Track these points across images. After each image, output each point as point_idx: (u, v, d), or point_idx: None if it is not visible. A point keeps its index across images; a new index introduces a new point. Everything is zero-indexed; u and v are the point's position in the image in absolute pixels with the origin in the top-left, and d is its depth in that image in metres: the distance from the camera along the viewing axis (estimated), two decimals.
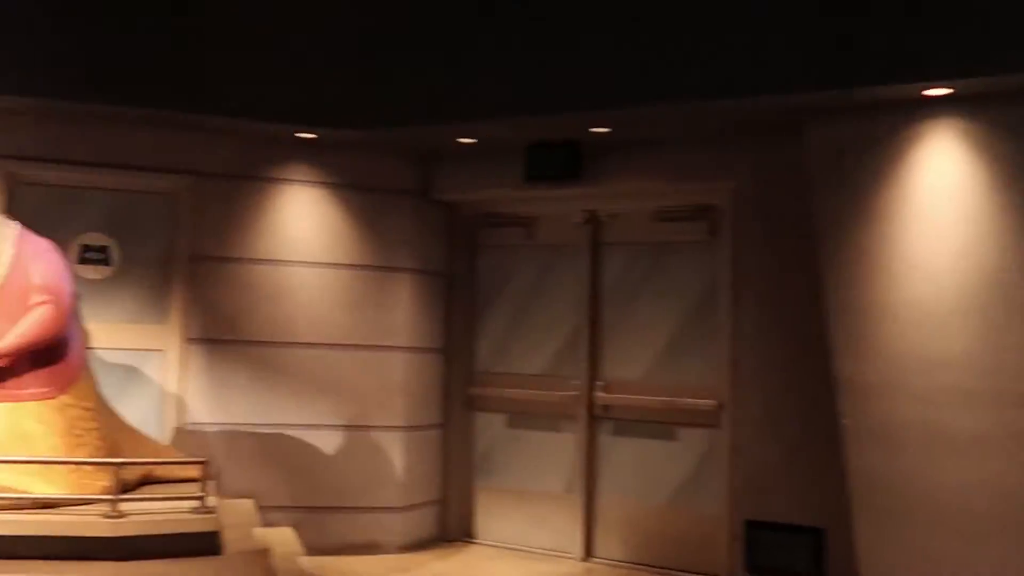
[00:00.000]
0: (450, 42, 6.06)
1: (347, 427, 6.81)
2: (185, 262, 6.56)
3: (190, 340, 6.55)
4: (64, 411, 4.98)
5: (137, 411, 6.08)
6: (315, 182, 6.82)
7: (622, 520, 6.68)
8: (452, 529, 7.24)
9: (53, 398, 4.94)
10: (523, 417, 7.12)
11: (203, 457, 5.06)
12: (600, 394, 6.77)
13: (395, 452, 6.90)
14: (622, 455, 6.71)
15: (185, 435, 6.46)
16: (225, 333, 6.61)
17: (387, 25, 6.17)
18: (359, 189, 6.89)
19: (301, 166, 6.78)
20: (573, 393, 6.84)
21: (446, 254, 7.31)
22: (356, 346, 6.85)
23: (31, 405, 4.86)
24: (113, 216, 6.46)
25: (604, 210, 6.83)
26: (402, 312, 6.98)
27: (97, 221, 6.44)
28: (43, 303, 4.90)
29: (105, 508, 4.65)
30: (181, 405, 6.53)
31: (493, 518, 7.19)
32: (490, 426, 7.28)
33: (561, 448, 6.93)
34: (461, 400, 7.33)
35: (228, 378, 6.61)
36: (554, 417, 6.98)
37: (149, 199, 6.55)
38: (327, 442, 6.77)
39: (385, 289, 6.93)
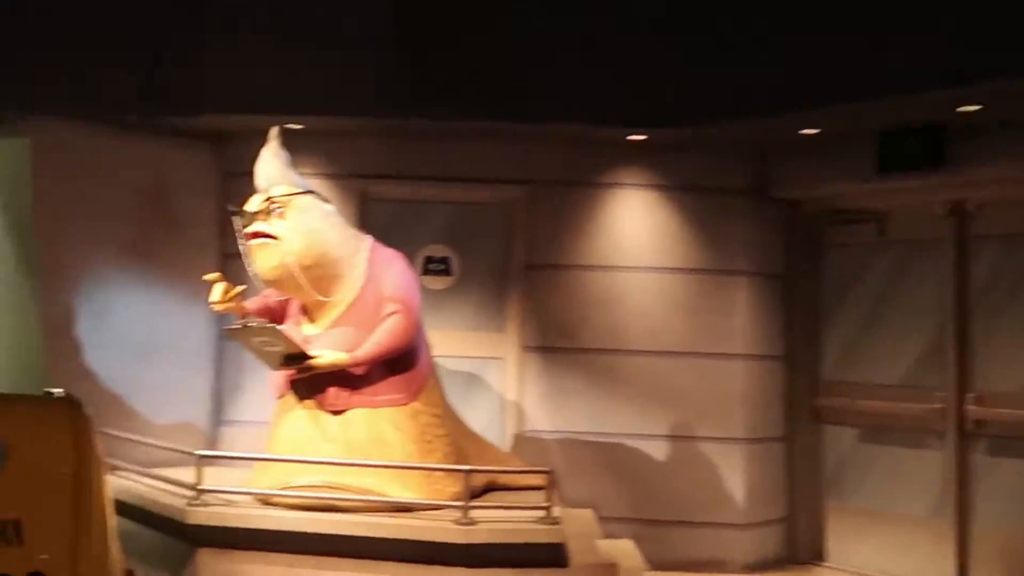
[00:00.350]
0: (780, 26, 5.60)
1: (685, 438, 6.54)
2: (521, 270, 6.61)
3: (527, 348, 6.59)
4: (416, 417, 5.13)
5: (478, 418, 6.19)
6: (647, 185, 6.63)
7: (1003, 550, 5.84)
8: (800, 550, 6.73)
9: (406, 404, 5.11)
10: (878, 431, 6.47)
11: (545, 466, 4.99)
12: (972, 407, 5.98)
13: (736, 466, 6.53)
14: (1001, 477, 5.87)
15: (524, 442, 6.50)
16: (561, 341, 6.58)
17: (712, 18, 5.84)
18: (692, 190, 6.62)
19: (632, 169, 6.62)
20: (938, 406, 6.10)
21: (786, 255, 6.83)
22: (692, 354, 6.56)
23: (387, 411, 5.05)
24: (453, 228, 6.65)
25: (973, 200, 6.04)
26: (740, 317, 6.61)
27: (438, 233, 6.65)
28: (395, 313, 5.07)
29: (456, 515, 4.70)
30: (520, 412, 6.57)
31: (846, 540, 6.59)
32: (839, 440, 6.69)
33: (925, 467, 6.20)
34: (806, 411, 6.80)
35: (565, 386, 6.56)
36: (915, 432, 6.26)
37: (486, 210, 6.68)
38: (665, 453, 6.53)
39: (721, 294, 6.60)
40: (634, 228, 6.63)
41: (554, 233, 6.61)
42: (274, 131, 5.10)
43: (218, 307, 4.91)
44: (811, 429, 6.78)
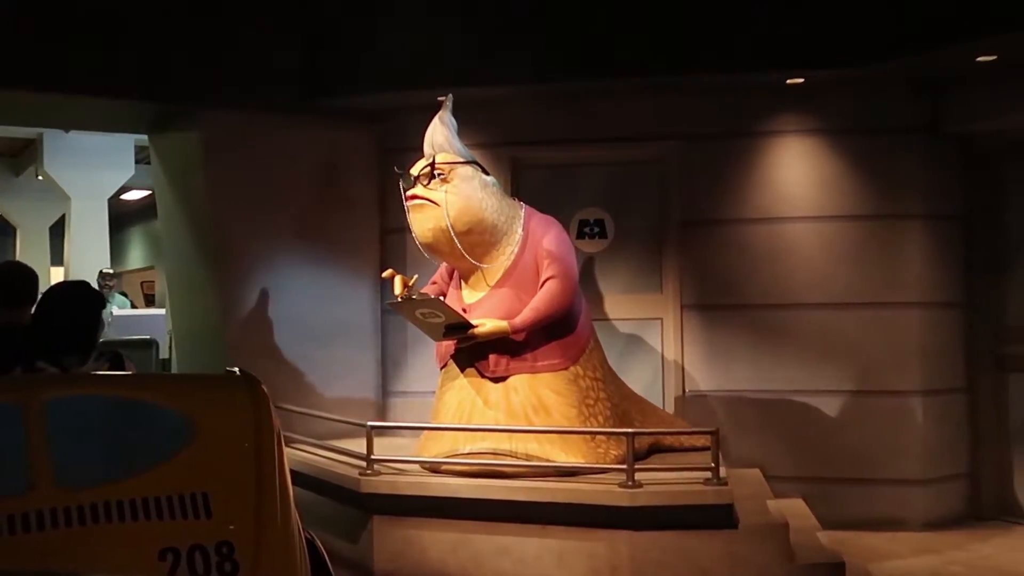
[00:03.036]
0: None
1: (856, 392, 6.26)
2: (677, 228, 6.47)
3: (687, 307, 6.46)
4: (577, 381, 5.13)
5: (639, 380, 6.15)
6: (807, 130, 6.33)
7: None
8: (986, 507, 6.38)
9: (566, 369, 5.12)
10: None
11: (711, 427, 4.91)
12: None
13: (912, 419, 6.22)
14: None
15: (687, 403, 6.40)
16: (722, 298, 6.42)
17: None
18: (856, 132, 6.28)
19: (791, 115, 6.34)
20: None
21: (962, 195, 6.41)
22: (863, 304, 6.26)
23: (546, 376, 5.07)
24: (606, 190, 6.57)
25: None
26: (913, 264, 6.26)
27: (592, 196, 6.60)
28: (551, 278, 5.07)
29: (621, 477, 4.69)
30: (681, 373, 6.47)
31: None
32: None
33: None
34: (989, 360, 6.41)
35: (727, 344, 6.41)
36: None
37: (639, 169, 6.56)
38: (834, 408, 6.29)
39: (892, 239, 6.26)
40: (796, 176, 6.36)
41: (711, 187, 6.43)
42: (447, 98, 5.19)
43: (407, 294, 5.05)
44: (995, 378, 6.40)
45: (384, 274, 5.26)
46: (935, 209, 6.31)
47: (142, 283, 18.16)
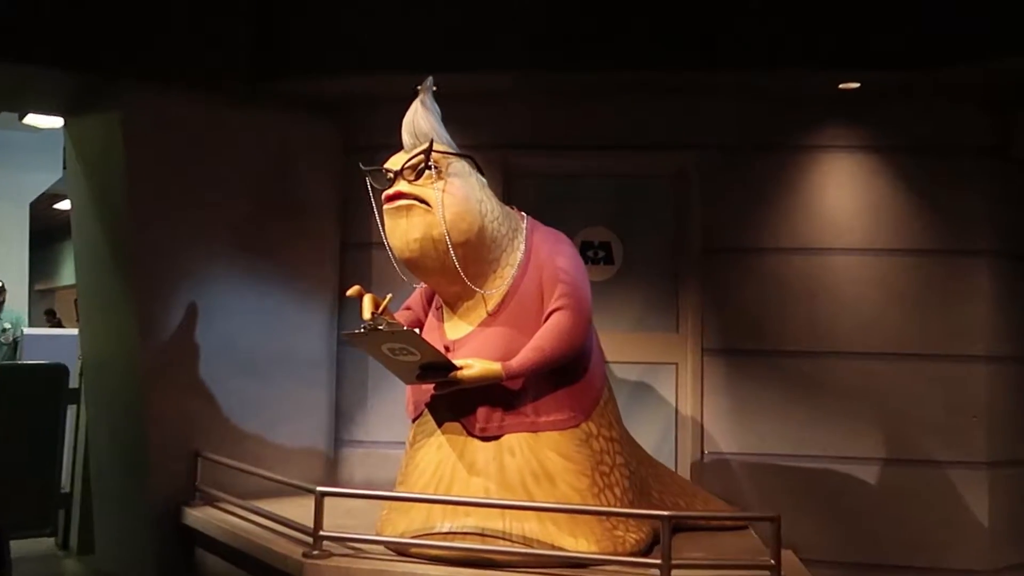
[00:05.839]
0: None
1: (908, 462, 5.25)
2: (698, 256, 5.45)
3: (707, 351, 5.42)
4: (588, 443, 4.02)
5: (647, 437, 5.06)
6: (858, 146, 5.36)
7: None
8: None
9: (576, 426, 4.00)
10: None
11: (769, 511, 3.81)
12: None
13: (977, 496, 5.20)
14: None
15: (704, 468, 5.35)
16: (749, 341, 5.39)
17: None
18: (916, 151, 5.32)
19: (840, 127, 5.37)
20: None
21: None
22: (918, 356, 5.27)
23: (551, 436, 3.95)
24: (615, 206, 5.56)
25: None
26: (980, 309, 5.27)
27: (598, 214, 5.57)
28: (561, 309, 3.97)
29: (649, 573, 3.56)
30: (699, 431, 5.41)
31: None
32: None
33: None
34: None
35: (755, 397, 5.37)
36: None
37: (656, 183, 5.56)
38: (882, 480, 5.26)
39: (956, 280, 5.28)
40: (842, 200, 5.38)
41: (740, 208, 5.43)
42: (427, 81, 4.06)
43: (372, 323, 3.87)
44: None
45: (349, 292, 4.08)
46: (1006, 246, 5.35)
47: (75, 301, 16.82)
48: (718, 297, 5.43)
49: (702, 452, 5.39)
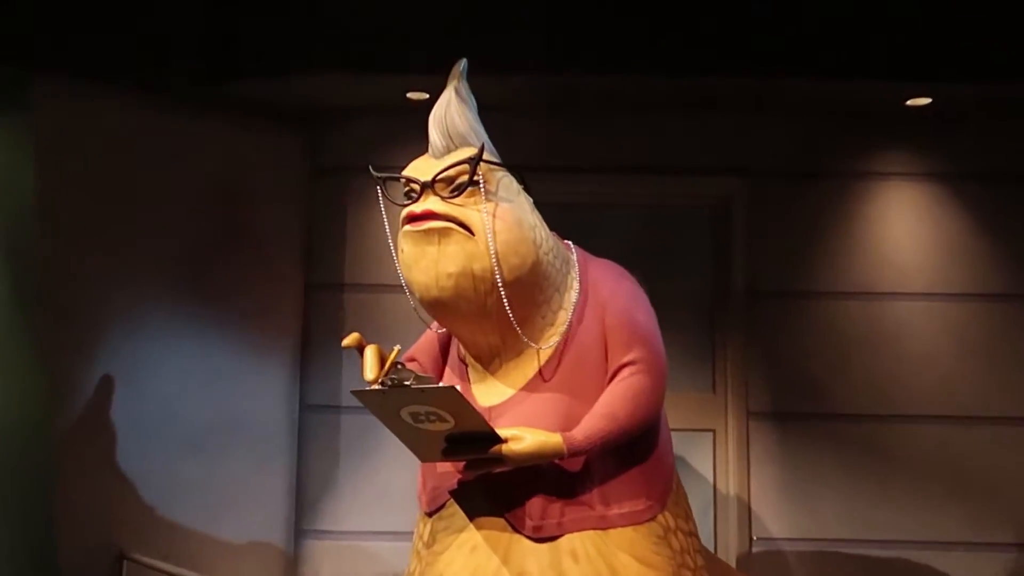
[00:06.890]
0: None
1: (1001, 546, 4.57)
2: (740, 300, 4.78)
3: (753, 415, 4.72)
4: (667, 540, 3.11)
5: None
6: (928, 174, 4.81)
7: None
8: None
9: (652, 519, 3.06)
10: None
11: None
12: None
13: None
14: None
15: (752, 558, 4.58)
16: (804, 403, 4.71)
17: None
18: (993, 179, 4.78)
19: (906, 151, 4.82)
20: None
21: None
22: (1003, 420, 4.65)
23: (625, 533, 2.99)
24: (641, 240, 4.85)
25: None
26: None
27: (620, 248, 4.64)
28: (633, 364, 3.05)
29: None
30: (746, 512, 4.67)
31: None
32: None
33: None
34: None
35: (812, 470, 4.67)
36: None
37: (689, 215, 4.92)
38: (970, 569, 4.57)
39: None
40: (909, 236, 4.81)
41: (789, 245, 4.81)
42: (460, 64, 3.15)
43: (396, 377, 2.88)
44: None
45: (346, 341, 3.05)
46: None
47: None
48: (764, 349, 4.77)
49: (750, 539, 4.62)
